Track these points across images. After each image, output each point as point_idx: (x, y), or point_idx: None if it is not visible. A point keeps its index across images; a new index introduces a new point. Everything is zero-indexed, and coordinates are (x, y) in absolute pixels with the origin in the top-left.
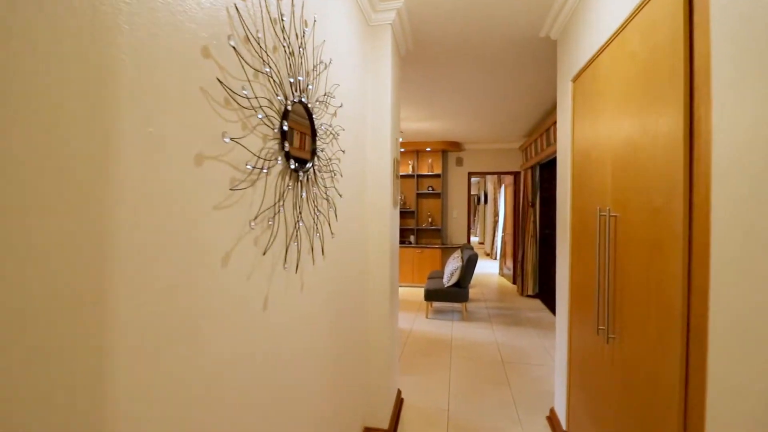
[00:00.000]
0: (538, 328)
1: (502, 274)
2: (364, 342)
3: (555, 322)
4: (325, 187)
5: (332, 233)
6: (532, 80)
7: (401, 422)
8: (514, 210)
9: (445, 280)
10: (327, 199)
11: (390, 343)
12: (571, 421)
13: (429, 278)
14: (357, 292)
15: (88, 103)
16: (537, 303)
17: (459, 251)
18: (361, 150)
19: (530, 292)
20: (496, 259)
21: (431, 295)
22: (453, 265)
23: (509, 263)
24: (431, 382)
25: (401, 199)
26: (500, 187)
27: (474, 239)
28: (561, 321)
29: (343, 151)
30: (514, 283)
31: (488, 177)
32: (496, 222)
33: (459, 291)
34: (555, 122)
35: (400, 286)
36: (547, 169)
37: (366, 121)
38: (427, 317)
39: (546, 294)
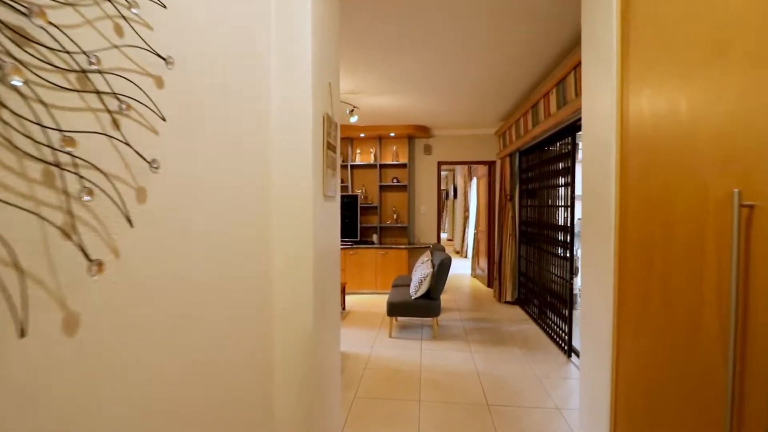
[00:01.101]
0: (525, 348)
1: (475, 275)
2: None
3: (542, 336)
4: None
5: (131, 222)
6: (519, 36)
7: None
8: (488, 204)
9: (412, 290)
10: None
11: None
12: None
13: (394, 285)
14: (231, 336)
15: None
16: (517, 312)
17: (428, 253)
18: (252, 98)
19: (509, 298)
20: (467, 257)
21: (396, 310)
22: (422, 271)
23: (483, 263)
24: None
25: (362, 193)
26: (471, 180)
27: (443, 235)
28: (594, 387)
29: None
30: (490, 286)
31: (458, 169)
32: (466, 218)
33: (429, 304)
34: (546, 95)
35: (360, 294)
36: (532, 154)
37: (263, 56)
38: (390, 336)
39: (527, 301)
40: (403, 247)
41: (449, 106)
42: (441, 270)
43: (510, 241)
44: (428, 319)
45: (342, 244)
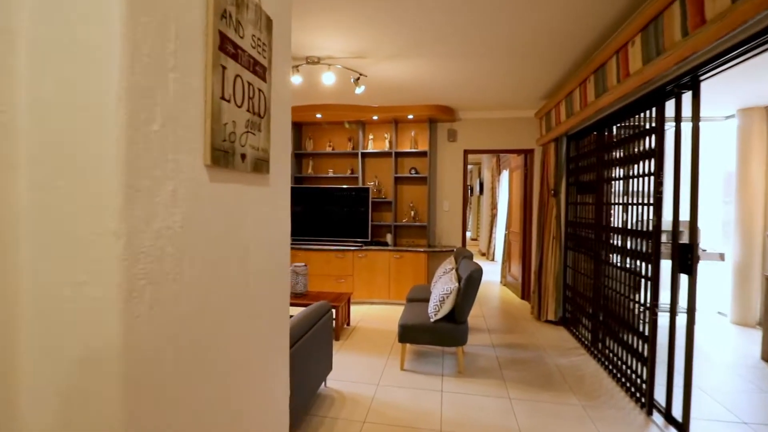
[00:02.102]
0: (582, 394)
1: (505, 283)
2: None
3: (602, 374)
4: None
5: None
6: None
7: None
8: (524, 201)
9: (431, 309)
10: None
11: None
12: None
13: (409, 300)
14: None
15: None
16: (563, 335)
17: (452, 260)
18: None
19: (551, 317)
20: (493, 260)
21: (410, 335)
22: (444, 285)
23: (515, 270)
24: None
25: (374, 185)
26: (500, 172)
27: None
28: None
29: None
30: (524, 298)
31: (484, 161)
32: (494, 216)
33: (453, 329)
34: (623, 48)
35: (370, 305)
36: (585, 138)
37: None
38: (402, 368)
39: (575, 322)
40: (421, 249)
41: (480, 79)
42: (469, 286)
43: (553, 245)
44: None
45: (350, 245)
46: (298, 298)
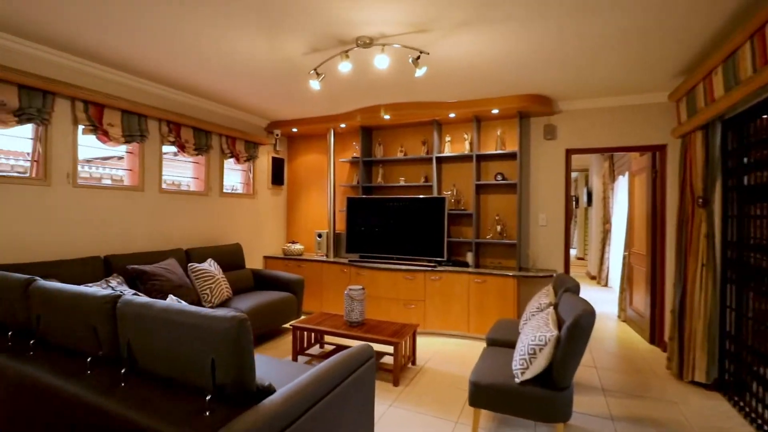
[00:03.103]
0: None
1: (625, 318)
2: None
3: None
4: None
5: None
6: None
7: None
8: (651, 213)
9: (516, 364)
10: None
11: None
12: None
13: (490, 341)
14: None
15: None
16: (722, 408)
17: (550, 290)
18: None
19: (700, 377)
20: (606, 286)
21: (484, 399)
22: (536, 331)
23: (640, 303)
24: None
25: (452, 194)
26: (614, 179)
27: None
28: None
29: None
30: (653, 342)
31: (593, 165)
32: (606, 232)
33: (549, 398)
34: None
35: (444, 337)
36: (758, 120)
37: None
38: None
39: (741, 388)
40: (510, 274)
41: (586, 54)
42: (575, 337)
43: (703, 276)
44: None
45: (422, 265)
46: (352, 328)
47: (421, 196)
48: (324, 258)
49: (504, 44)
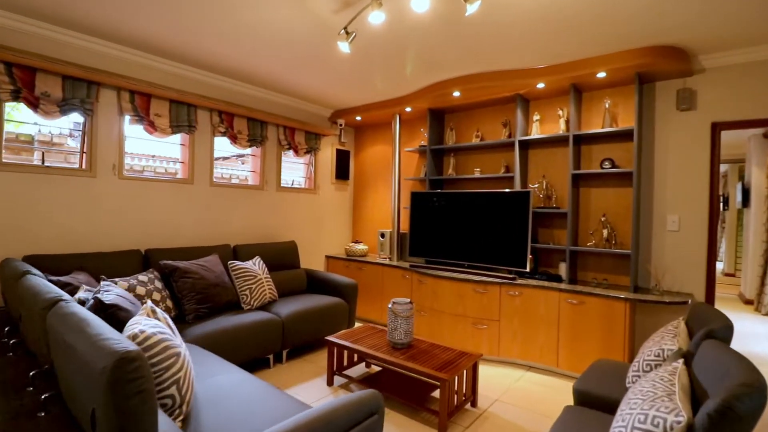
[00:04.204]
0: None
1: None
2: None
3: None
4: None
5: None
6: None
7: None
8: None
9: None
10: None
11: None
12: None
13: (579, 395)
14: None
15: None
16: None
17: (681, 325)
18: None
19: None
20: None
21: None
22: (649, 402)
23: None
24: None
25: (540, 187)
26: None
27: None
28: None
29: None
30: None
31: (752, 150)
32: None
33: None
34: None
35: (524, 370)
36: None
37: None
38: None
39: None
40: (621, 296)
41: None
42: (722, 427)
43: None
44: None
45: (497, 276)
46: (394, 352)
47: (499, 190)
48: (386, 261)
49: None
